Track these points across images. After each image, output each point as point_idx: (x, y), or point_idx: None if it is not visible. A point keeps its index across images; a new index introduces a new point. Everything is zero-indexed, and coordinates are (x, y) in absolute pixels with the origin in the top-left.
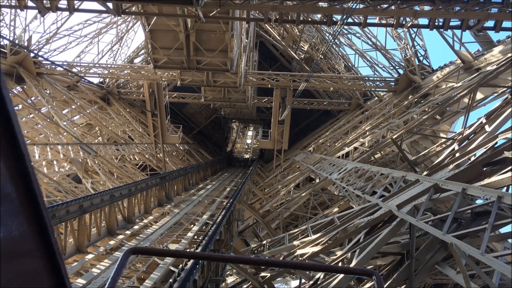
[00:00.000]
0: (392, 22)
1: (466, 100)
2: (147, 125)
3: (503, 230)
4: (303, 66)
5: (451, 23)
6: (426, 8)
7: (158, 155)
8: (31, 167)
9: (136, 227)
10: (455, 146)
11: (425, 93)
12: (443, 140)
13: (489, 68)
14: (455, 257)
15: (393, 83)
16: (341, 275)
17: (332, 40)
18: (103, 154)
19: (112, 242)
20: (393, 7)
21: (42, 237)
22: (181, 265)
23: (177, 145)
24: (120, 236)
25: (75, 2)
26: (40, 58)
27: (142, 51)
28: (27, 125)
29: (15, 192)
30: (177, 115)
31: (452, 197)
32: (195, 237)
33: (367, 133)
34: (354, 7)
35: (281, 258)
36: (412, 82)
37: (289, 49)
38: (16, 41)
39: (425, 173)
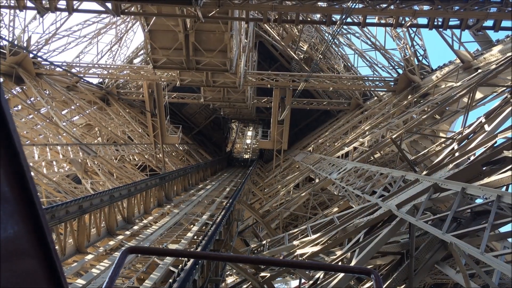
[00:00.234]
0: (391, 22)
1: (465, 99)
2: (147, 125)
3: (503, 229)
4: (302, 66)
5: (450, 23)
6: (425, 7)
7: (158, 156)
8: (26, 166)
9: (135, 227)
10: (455, 145)
11: (424, 92)
12: (443, 139)
13: (488, 67)
14: (454, 257)
15: (392, 83)
16: (341, 275)
17: (332, 40)
18: (103, 154)
19: (111, 243)
20: (392, 7)
21: (38, 236)
22: (180, 265)
23: (176, 145)
24: (120, 237)
25: (74, 2)
26: (39, 59)
27: (142, 52)
28: (26, 125)
29: (10, 191)
30: (177, 116)
31: (452, 196)
32: (195, 237)
33: (367, 133)
34: (353, 7)
35: (280, 258)
36: (412, 82)
37: (289, 49)
38: (15, 42)
39: (424, 172)
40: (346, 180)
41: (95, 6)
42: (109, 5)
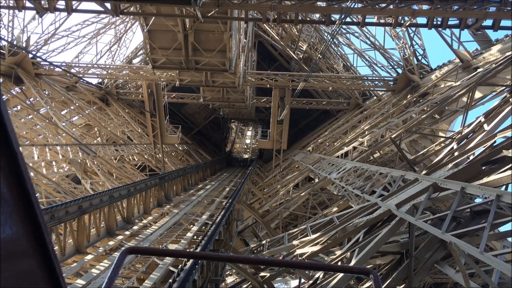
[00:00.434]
0: (391, 22)
1: (464, 99)
2: (146, 125)
3: (502, 228)
4: (301, 66)
5: (450, 22)
6: (425, 7)
7: (157, 156)
8: (24, 167)
9: (135, 227)
10: (454, 145)
11: (423, 92)
12: (442, 139)
13: (487, 67)
14: (454, 256)
15: (391, 83)
16: (341, 275)
17: (331, 40)
18: (102, 154)
19: (111, 243)
20: (391, 6)
21: (36, 237)
22: (180, 265)
23: (176, 145)
24: (120, 237)
25: (73, 2)
26: (38, 59)
27: (141, 52)
28: (25, 126)
29: (9, 192)
30: (176, 116)
31: (451, 196)
32: (195, 237)
33: (366, 132)
34: (352, 6)
35: (280, 258)
36: (411, 82)
37: (288, 49)
38: (15, 42)
39: (424, 172)
40: (345, 179)
41: (94, 6)
42: (108, 5)
